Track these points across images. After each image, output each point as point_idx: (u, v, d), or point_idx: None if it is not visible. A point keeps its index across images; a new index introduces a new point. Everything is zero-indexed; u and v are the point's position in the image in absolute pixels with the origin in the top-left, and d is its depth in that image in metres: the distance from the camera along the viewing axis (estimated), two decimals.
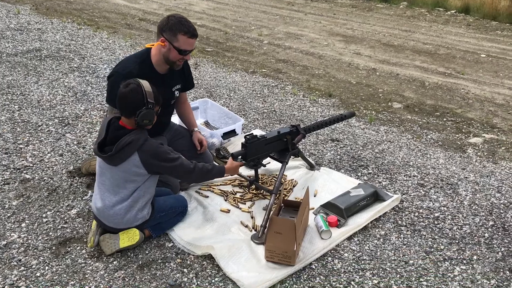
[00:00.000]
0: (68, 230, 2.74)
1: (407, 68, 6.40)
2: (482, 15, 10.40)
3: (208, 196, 3.08)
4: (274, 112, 4.62)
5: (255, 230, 2.76)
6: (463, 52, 7.29)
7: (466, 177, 3.44)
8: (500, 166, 3.70)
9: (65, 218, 2.85)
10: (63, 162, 3.48)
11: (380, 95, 5.32)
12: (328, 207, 2.89)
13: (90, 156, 3.55)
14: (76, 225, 2.80)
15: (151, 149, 2.46)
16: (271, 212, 2.66)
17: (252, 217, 2.88)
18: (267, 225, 2.54)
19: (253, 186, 3.08)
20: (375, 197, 3.01)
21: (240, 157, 2.87)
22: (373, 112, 4.79)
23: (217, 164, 3.18)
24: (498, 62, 6.85)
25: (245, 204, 3.03)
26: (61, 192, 3.12)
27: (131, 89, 2.43)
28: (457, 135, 4.30)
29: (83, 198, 3.05)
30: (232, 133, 3.74)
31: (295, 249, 2.42)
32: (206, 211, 2.92)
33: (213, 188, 3.15)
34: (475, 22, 9.83)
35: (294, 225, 2.39)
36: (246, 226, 2.79)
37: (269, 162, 3.17)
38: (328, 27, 8.70)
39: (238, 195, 3.11)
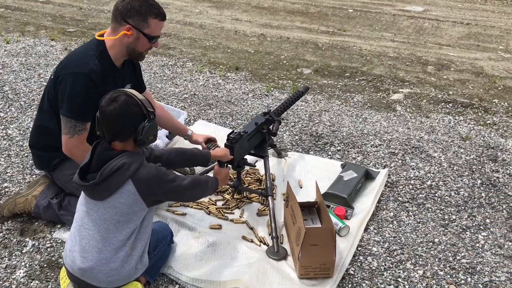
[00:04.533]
0: None
1: (292, 30, 6.27)
2: None
3: (185, 213, 2.54)
4: (195, 95, 4.09)
5: (264, 244, 2.35)
6: (332, 9, 7.43)
7: (421, 137, 3.45)
8: (434, 120, 3.79)
9: (13, 287, 2.07)
10: None
11: (285, 61, 5.10)
12: (328, 198, 2.59)
13: (12, 193, 2.67)
14: None
15: (150, 173, 1.85)
16: (292, 219, 2.27)
17: (251, 228, 2.45)
18: (297, 236, 2.15)
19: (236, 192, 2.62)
20: (366, 177, 2.80)
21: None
22: (290, 81, 4.55)
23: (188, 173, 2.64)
24: (366, 15, 7.14)
25: (233, 213, 2.56)
26: None
27: (123, 103, 1.78)
28: (378, 94, 4.32)
29: (24, 252, 2.27)
30: None
31: (335, 258, 2.10)
32: (195, 233, 2.40)
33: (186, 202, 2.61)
34: None
35: (334, 232, 2.06)
36: (252, 241, 2.36)
37: (257, 160, 2.73)
38: None
39: (220, 204, 2.62)
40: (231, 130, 2.42)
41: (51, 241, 2.35)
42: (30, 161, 2.93)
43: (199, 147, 2.70)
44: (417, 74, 4.81)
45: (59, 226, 2.44)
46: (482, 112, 3.97)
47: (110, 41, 2.24)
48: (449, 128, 3.64)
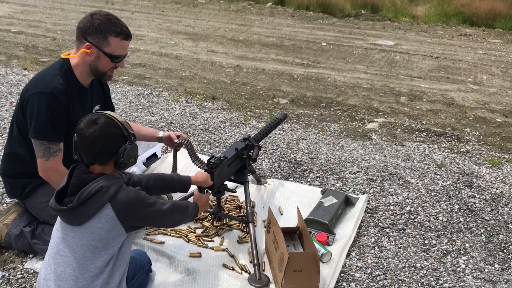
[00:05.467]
0: None
1: (267, 62, 6.36)
2: (296, 6, 11.10)
3: (163, 242, 2.46)
4: (172, 124, 4.05)
5: (245, 271, 2.29)
6: (305, 42, 7.59)
7: (398, 164, 3.49)
8: (410, 148, 3.85)
9: None
10: None
11: (261, 91, 5.14)
12: (309, 224, 2.55)
13: None
14: None
15: (129, 196, 1.78)
16: (270, 245, 2.23)
17: (232, 256, 2.39)
18: (273, 262, 2.11)
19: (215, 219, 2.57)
20: (346, 203, 2.79)
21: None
22: (267, 110, 4.58)
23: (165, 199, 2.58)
24: (339, 49, 7.31)
25: (213, 241, 2.50)
26: None
27: (102, 125, 1.73)
28: (354, 124, 4.37)
29: None
30: (154, 157, 3.10)
31: (318, 284, 2.06)
32: (173, 261, 2.32)
33: (164, 230, 2.54)
34: (295, 12, 10.41)
35: (318, 257, 2.02)
36: (233, 269, 2.30)
37: (237, 186, 2.69)
38: (165, 25, 8.19)
39: (199, 231, 2.56)
40: (209, 157, 2.39)
41: (22, 272, 2.23)
42: (1, 189, 2.82)
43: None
44: (390, 105, 4.91)
45: (31, 256, 2.33)
46: (455, 140, 4.06)
47: (74, 59, 2.20)
48: (424, 156, 3.69)
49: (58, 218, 1.83)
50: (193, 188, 2.29)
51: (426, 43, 7.94)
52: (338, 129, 4.21)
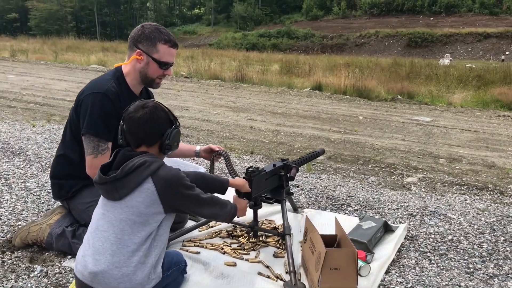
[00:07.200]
0: None
1: (305, 129, 6.52)
2: (333, 91, 11.49)
3: (199, 252, 2.46)
4: (217, 170, 4.15)
5: (280, 279, 2.24)
6: (342, 116, 7.78)
7: (438, 206, 3.41)
8: (450, 198, 3.76)
9: None
10: None
11: (298, 150, 5.24)
12: None
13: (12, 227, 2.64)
14: None
15: (171, 174, 1.85)
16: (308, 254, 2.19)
17: (267, 266, 2.35)
18: (311, 269, 2.06)
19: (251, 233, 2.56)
20: (385, 228, 2.74)
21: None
22: (304, 165, 4.62)
23: None
24: (376, 122, 7.44)
25: (249, 254, 2.48)
26: None
27: (151, 108, 1.87)
28: (392, 177, 4.35)
29: (31, 276, 2.18)
30: None
31: (357, 285, 1.99)
32: (209, 267, 2.30)
33: (200, 243, 2.54)
34: (331, 96, 10.75)
35: (356, 255, 1.98)
36: (268, 277, 2.25)
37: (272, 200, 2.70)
38: (209, 100, 8.62)
39: (234, 246, 2.55)
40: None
41: (60, 269, 2.26)
42: (46, 207, 2.92)
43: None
44: (429, 164, 4.88)
45: (69, 256, 2.37)
46: (498, 194, 3.95)
47: (125, 67, 2.38)
48: (465, 204, 3.60)
49: (100, 198, 1.90)
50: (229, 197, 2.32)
51: (463, 121, 7.99)
52: (376, 180, 4.20)
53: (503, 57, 36.34)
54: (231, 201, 2.16)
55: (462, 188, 4.05)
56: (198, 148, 2.78)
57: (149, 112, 1.88)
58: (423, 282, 2.26)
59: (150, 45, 2.31)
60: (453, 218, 3.09)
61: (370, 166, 4.71)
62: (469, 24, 45.46)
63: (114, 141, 2.28)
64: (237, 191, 2.36)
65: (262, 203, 2.59)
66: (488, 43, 41.07)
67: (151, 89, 2.63)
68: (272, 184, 2.65)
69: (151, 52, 2.32)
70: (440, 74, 14.92)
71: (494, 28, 42.40)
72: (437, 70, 16.72)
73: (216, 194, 2.08)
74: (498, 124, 7.81)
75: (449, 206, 3.49)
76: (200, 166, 3.31)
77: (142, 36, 2.32)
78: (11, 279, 2.14)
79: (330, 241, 2.30)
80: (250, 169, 2.42)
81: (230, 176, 2.59)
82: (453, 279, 2.31)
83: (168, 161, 2.79)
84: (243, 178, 2.41)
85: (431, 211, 3.23)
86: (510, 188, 4.15)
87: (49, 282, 2.13)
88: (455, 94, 11.71)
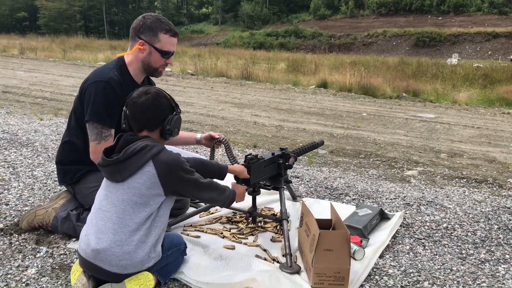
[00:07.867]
0: None
1: (309, 125, 6.59)
2: (338, 89, 11.53)
3: (199, 236, 2.54)
4: (222, 162, 4.24)
5: (277, 262, 2.31)
6: (346, 112, 7.83)
7: (436, 197, 3.46)
8: (449, 190, 3.82)
9: (23, 280, 2.05)
10: None
11: (300, 144, 5.30)
12: None
13: (19, 211, 2.73)
14: (44, 285, 2.02)
15: (171, 158, 1.94)
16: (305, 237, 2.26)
17: (264, 250, 2.42)
18: (306, 250, 2.13)
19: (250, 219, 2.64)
20: (381, 215, 2.80)
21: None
22: (305, 157, 4.70)
23: None
24: (379, 118, 7.49)
25: (247, 238, 2.55)
26: (1, 253, 2.28)
27: (154, 95, 1.96)
28: (392, 170, 4.41)
29: (37, 256, 2.27)
30: None
31: (349, 266, 2.06)
32: (208, 250, 2.38)
33: (200, 228, 2.62)
34: (336, 93, 10.80)
35: (349, 237, 2.05)
36: (265, 259, 2.33)
37: (270, 187, 2.78)
38: (214, 97, 8.71)
39: (233, 230, 2.63)
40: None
41: (65, 250, 2.35)
42: (52, 194, 3.02)
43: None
44: (430, 159, 4.93)
45: (74, 239, 2.45)
46: (497, 187, 4.00)
47: (128, 57, 2.47)
48: (464, 196, 3.65)
49: (103, 180, 1.99)
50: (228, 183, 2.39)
51: (467, 118, 8.02)
52: (376, 173, 4.25)
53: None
54: (230, 187, 2.24)
55: (462, 181, 4.11)
56: (199, 135, 2.86)
57: (151, 98, 1.97)
58: (416, 266, 2.33)
59: (152, 35, 2.39)
60: (449, 208, 3.15)
61: (371, 160, 4.77)
62: (478, 24, 45.19)
63: (117, 127, 2.37)
64: (236, 177, 2.43)
65: (261, 190, 2.67)
66: (497, 43, 40.82)
67: (152, 78, 2.71)
68: (271, 172, 2.72)
69: (153, 42, 2.40)
70: (447, 73, 14.90)
71: (503, 28, 42.08)
72: (444, 69, 16.69)
73: (215, 180, 2.17)
74: (502, 121, 7.84)
75: (447, 197, 3.55)
76: (202, 156, 3.39)
77: (144, 26, 2.39)
78: (18, 259, 2.24)
79: (325, 225, 2.36)
80: (248, 156, 2.50)
81: (230, 163, 2.66)
82: (445, 264, 2.37)
83: (168, 148, 2.86)
84: (242, 164, 2.48)
85: (428, 201, 3.29)
86: (509, 181, 4.20)
87: (54, 262, 2.22)
88: (461, 92, 11.71)
